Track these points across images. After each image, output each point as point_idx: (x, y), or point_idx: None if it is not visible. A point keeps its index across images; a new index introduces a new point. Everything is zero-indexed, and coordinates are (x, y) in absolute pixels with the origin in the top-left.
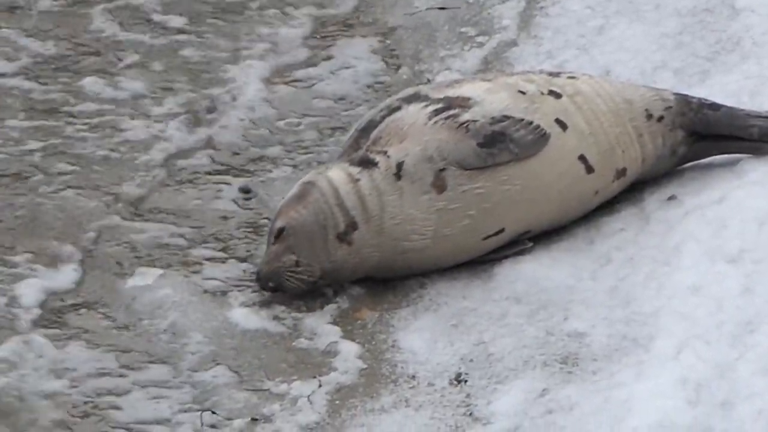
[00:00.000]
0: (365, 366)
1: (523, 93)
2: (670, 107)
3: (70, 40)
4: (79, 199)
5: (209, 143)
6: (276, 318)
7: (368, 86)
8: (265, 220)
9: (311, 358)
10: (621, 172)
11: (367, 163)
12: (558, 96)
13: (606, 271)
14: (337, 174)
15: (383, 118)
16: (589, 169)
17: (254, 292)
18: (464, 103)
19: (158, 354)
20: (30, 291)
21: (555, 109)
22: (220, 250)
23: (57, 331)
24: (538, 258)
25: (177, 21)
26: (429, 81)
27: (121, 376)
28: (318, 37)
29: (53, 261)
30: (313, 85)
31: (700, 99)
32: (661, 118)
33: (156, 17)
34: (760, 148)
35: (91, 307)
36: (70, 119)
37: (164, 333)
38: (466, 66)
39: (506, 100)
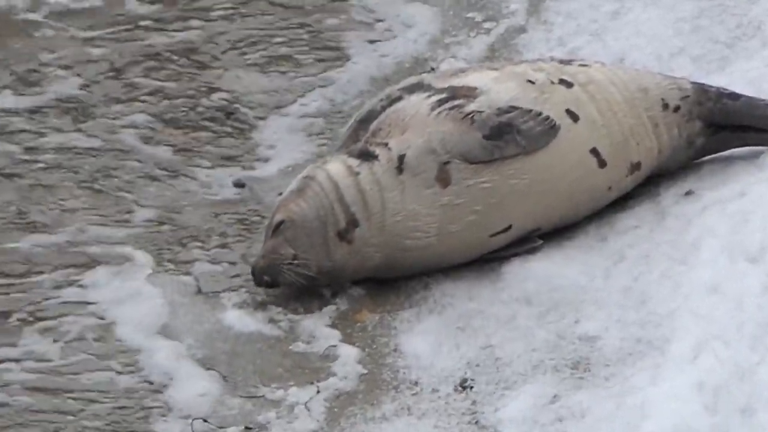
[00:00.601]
0: (365, 371)
1: (532, 82)
2: (687, 96)
3: None
4: None
5: None
6: (272, 320)
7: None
8: (258, 218)
9: (309, 363)
10: (635, 166)
11: (367, 156)
12: (569, 85)
13: (619, 270)
14: (336, 167)
15: (383, 108)
16: (602, 163)
17: (248, 292)
18: (470, 92)
19: None
20: None
21: (566, 98)
22: (212, 248)
23: None
24: (549, 256)
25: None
26: (433, 69)
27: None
28: None
29: None
30: None
31: (718, 88)
32: (677, 108)
33: None
34: None
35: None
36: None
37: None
38: (472, 53)
39: (514, 89)
